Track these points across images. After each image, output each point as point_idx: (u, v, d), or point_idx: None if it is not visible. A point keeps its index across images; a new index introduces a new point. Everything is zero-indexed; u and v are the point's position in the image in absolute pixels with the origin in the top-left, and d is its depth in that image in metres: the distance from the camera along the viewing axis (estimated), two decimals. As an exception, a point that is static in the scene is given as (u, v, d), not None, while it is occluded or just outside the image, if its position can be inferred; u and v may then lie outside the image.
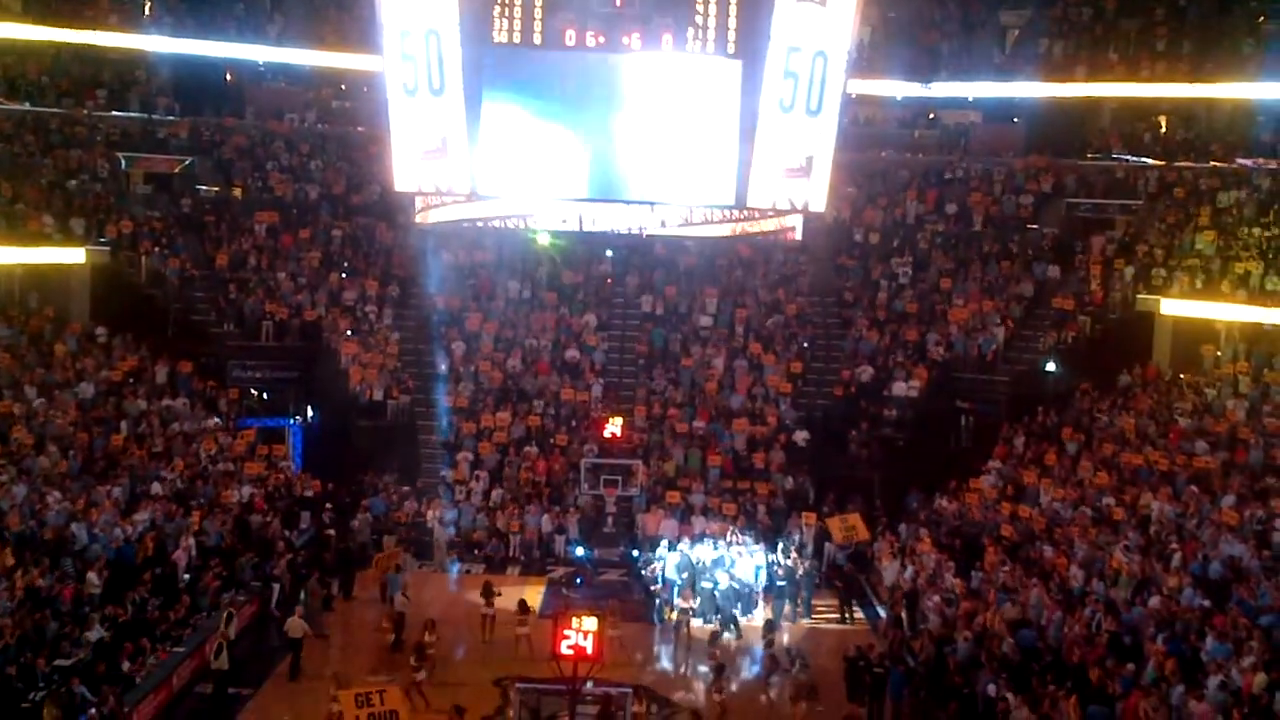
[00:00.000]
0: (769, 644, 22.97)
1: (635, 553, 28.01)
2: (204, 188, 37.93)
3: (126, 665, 19.61)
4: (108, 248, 33.75)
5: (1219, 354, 31.28)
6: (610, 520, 29.79)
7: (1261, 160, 35.06)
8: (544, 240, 35.32)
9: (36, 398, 28.08)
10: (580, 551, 28.56)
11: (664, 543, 26.97)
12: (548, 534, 29.13)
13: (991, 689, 19.12)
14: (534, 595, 25.45)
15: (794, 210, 32.97)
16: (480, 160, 31.98)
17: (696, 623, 24.26)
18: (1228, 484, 24.13)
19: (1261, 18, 37.31)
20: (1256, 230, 32.56)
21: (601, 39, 31.34)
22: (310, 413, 33.13)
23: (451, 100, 31.32)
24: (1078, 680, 18.53)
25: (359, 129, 39.08)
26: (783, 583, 25.82)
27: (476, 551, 28.81)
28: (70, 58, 38.75)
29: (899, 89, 39.74)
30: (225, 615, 21.89)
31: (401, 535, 28.13)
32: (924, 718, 20.50)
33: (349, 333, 34.00)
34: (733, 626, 24.27)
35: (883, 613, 25.58)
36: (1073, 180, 37.55)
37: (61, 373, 29.68)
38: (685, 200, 33.16)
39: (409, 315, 35.21)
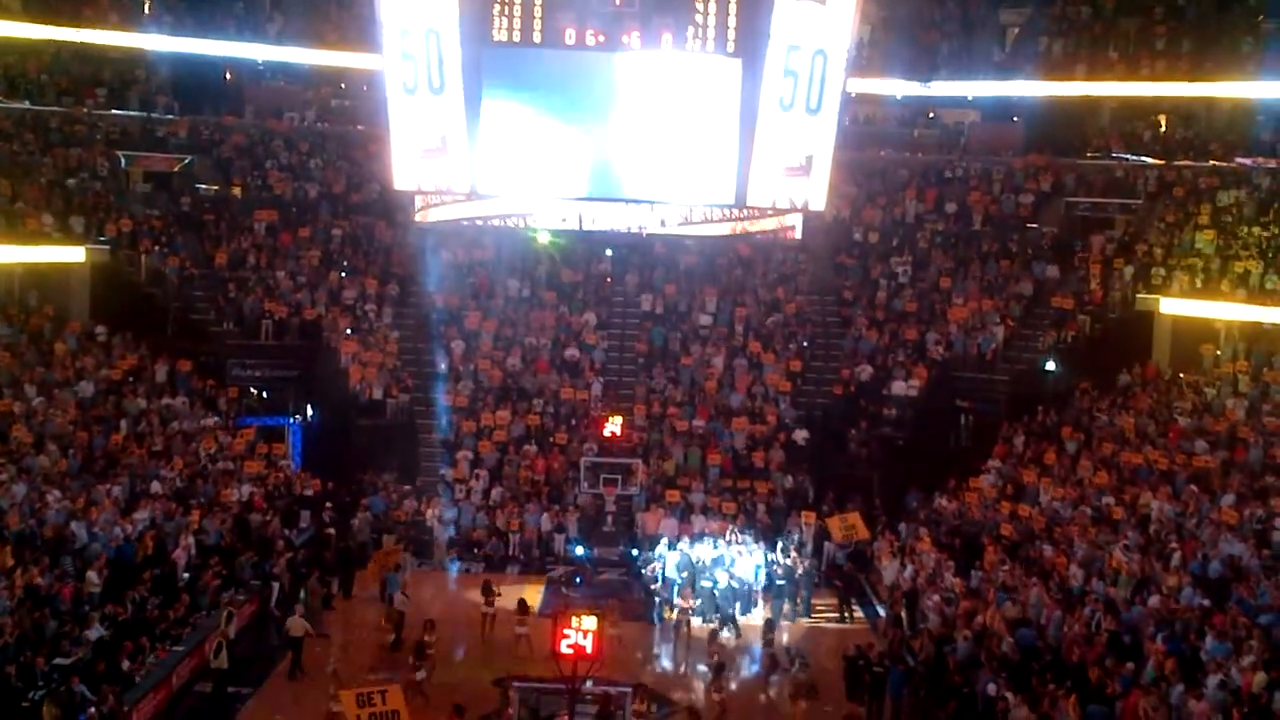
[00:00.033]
0: (768, 643, 22.99)
1: (635, 552, 28.02)
2: (203, 186, 37.92)
3: (126, 664, 19.60)
4: (107, 246, 33.76)
5: (1218, 353, 31.29)
6: (610, 519, 29.77)
7: (1261, 159, 35.07)
8: (544, 239, 35.34)
9: (36, 396, 28.08)
10: (580, 550, 28.56)
11: (663, 542, 26.97)
12: (547, 533, 29.13)
13: (991, 688, 19.12)
14: (533, 594, 25.46)
15: (794, 209, 33.02)
16: (480, 159, 31.99)
17: (696, 622, 24.26)
18: (1227, 483, 24.14)
19: (1261, 16, 37.29)
20: (1256, 229, 32.58)
21: (601, 38, 31.35)
22: (310, 411, 33.10)
23: (451, 99, 31.34)
24: (1077, 679, 18.53)
25: (358, 128, 39.09)
26: (782, 582, 25.83)
27: (476, 550, 28.81)
28: (70, 56, 38.70)
29: (898, 88, 39.70)
30: (225, 614, 21.92)
31: (401, 534, 28.12)
32: (923, 717, 20.50)
33: (348, 331, 34.00)
34: (731, 625, 24.27)
35: (882, 612, 25.59)
36: (1072, 179, 37.55)
37: (61, 371, 29.68)
38: (685, 199, 33.19)
39: (408, 314, 35.20)
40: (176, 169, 38.03)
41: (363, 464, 31.06)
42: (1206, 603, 19.40)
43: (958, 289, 35.28)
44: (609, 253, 36.92)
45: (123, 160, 37.39)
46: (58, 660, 18.95)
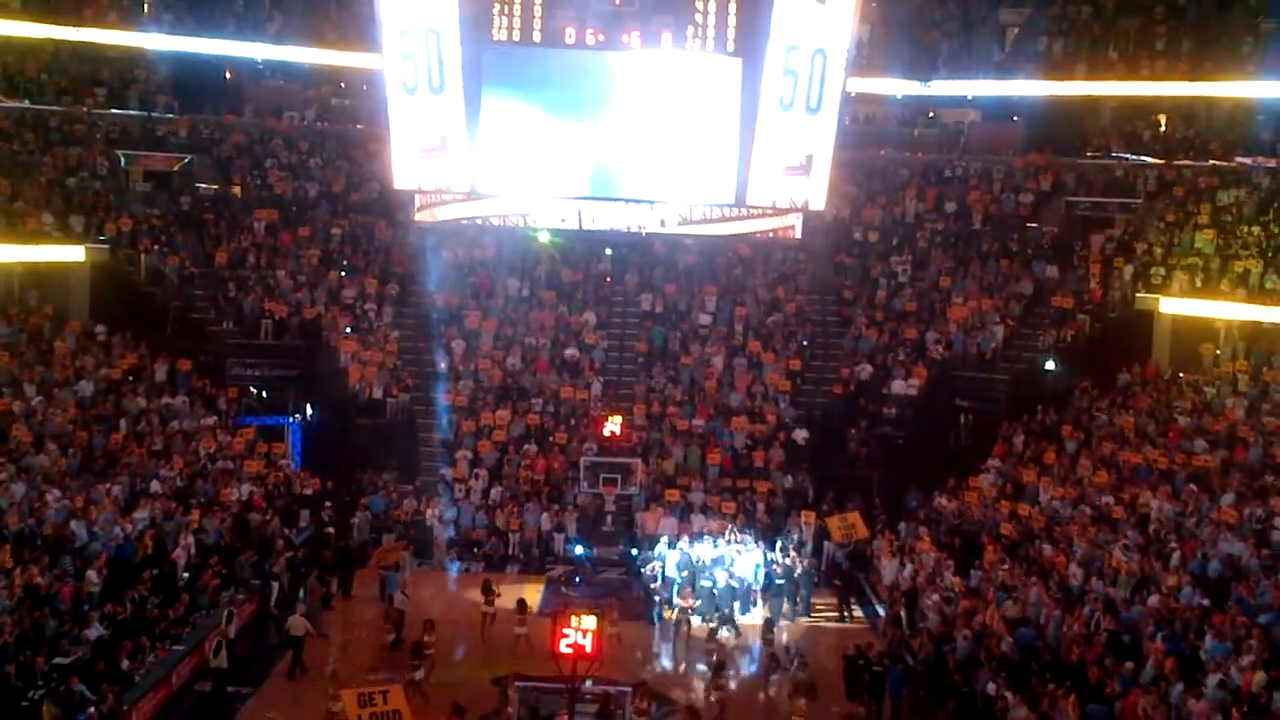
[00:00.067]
0: (768, 642, 23.01)
1: (634, 551, 28.00)
2: (203, 185, 37.91)
3: (126, 663, 19.61)
4: (107, 246, 33.77)
5: (1218, 352, 31.32)
6: (609, 518, 29.77)
7: (1261, 159, 35.10)
8: (543, 238, 35.34)
9: (36, 396, 28.10)
10: (579, 550, 28.52)
11: (663, 541, 26.95)
12: (547, 532, 29.12)
13: (991, 687, 19.13)
14: (533, 594, 25.46)
15: (793, 208, 33.01)
16: (480, 158, 32.00)
17: (695, 621, 24.25)
18: (1227, 482, 24.16)
19: (1261, 16, 37.29)
20: (1256, 229, 32.61)
21: (601, 37, 31.38)
22: (309, 411, 33.08)
23: (451, 98, 31.35)
24: (1077, 679, 18.54)
25: (358, 127, 39.09)
26: (782, 581, 25.82)
27: (476, 550, 28.79)
28: (69, 55, 38.69)
29: (898, 87, 39.70)
30: (225, 613, 21.91)
31: (401, 533, 28.11)
32: (923, 716, 20.52)
33: (348, 331, 34.00)
34: (731, 625, 24.26)
35: (882, 611, 25.59)
36: (1072, 179, 37.56)
37: (61, 371, 29.69)
38: (685, 198, 33.20)
39: (408, 313, 35.20)
40: (176, 168, 38.03)
41: (362, 463, 31.06)
42: (1206, 602, 19.42)
43: (957, 288, 35.28)
44: (609, 252, 36.92)
45: (122, 159, 37.39)
46: (57, 659, 18.96)
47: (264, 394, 33.18)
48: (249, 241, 36.05)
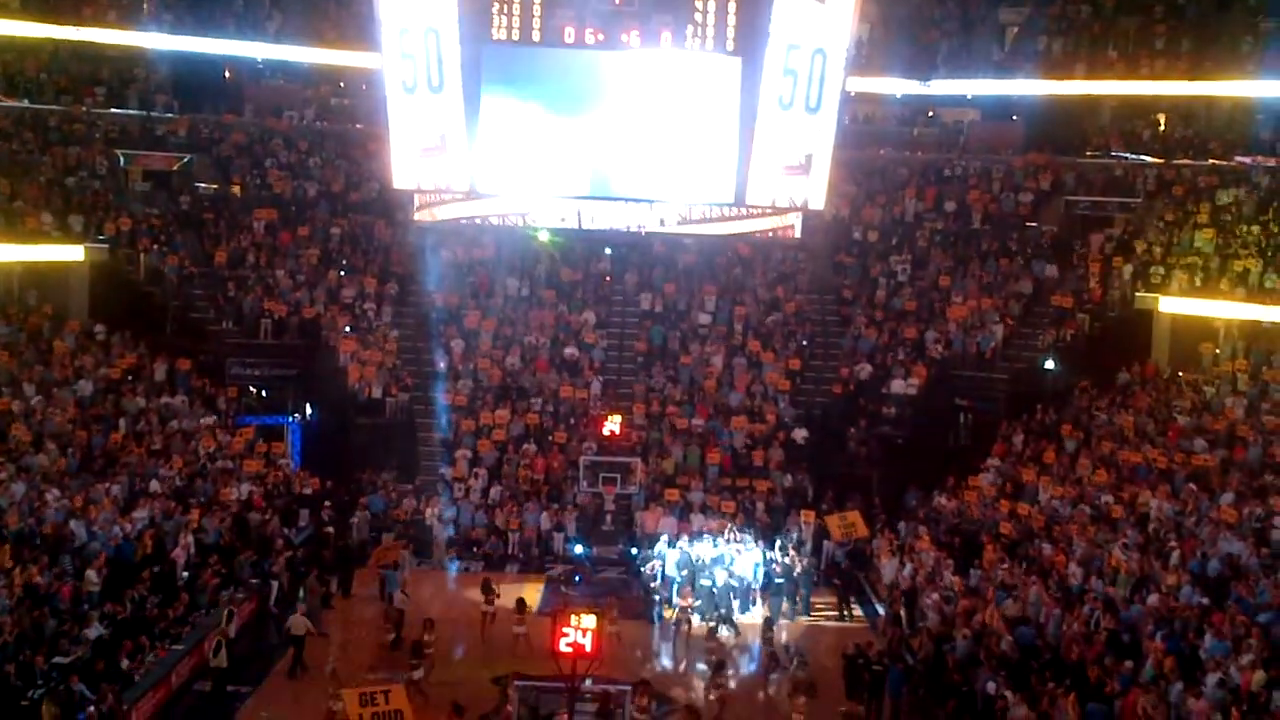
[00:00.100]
0: (768, 641, 22.98)
1: (634, 550, 28.00)
2: (202, 185, 37.91)
3: (125, 663, 19.60)
4: (106, 245, 33.77)
5: (1218, 352, 31.33)
6: (609, 518, 29.77)
7: (1260, 158, 35.10)
8: (543, 238, 35.32)
9: (35, 395, 28.10)
10: (579, 549, 28.52)
11: (663, 540, 26.95)
12: (546, 532, 29.11)
13: (990, 686, 19.13)
14: (533, 593, 25.47)
15: (793, 208, 32.99)
16: (479, 157, 31.98)
17: (695, 620, 24.24)
18: (1226, 481, 24.17)
19: (1260, 16, 37.29)
20: (1255, 228, 32.62)
21: (600, 36, 31.36)
22: (309, 410, 33.07)
23: (450, 98, 31.34)
24: (1076, 678, 18.55)
25: (358, 126, 39.08)
26: (781, 580, 25.82)
27: (475, 549, 28.78)
28: (69, 55, 38.66)
29: (898, 86, 39.69)
30: (225, 613, 21.90)
31: (400, 533, 28.10)
32: (923, 715, 20.52)
33: (348, 330, 34.00)
34: (730, 624, 24.27)
35: (881, 610, 25.59)
36: (1072, 178, 37.55)
37: (60, 370, 29.68)
38: (684, 198, 33.17)
39: (408, 313, 35.19)
40: (175, 167, 38.01)
41: (362, 463, 31.05)
42: (1205, 601, 19.43)
43: (957, 287, 35.28)
44: (608, 251, 36.91)
45: (122, 159, 37.37)
46: (57, 659, 18.96)
47: (263, 393, 33.16)
48: (248, 241, 36.04)
